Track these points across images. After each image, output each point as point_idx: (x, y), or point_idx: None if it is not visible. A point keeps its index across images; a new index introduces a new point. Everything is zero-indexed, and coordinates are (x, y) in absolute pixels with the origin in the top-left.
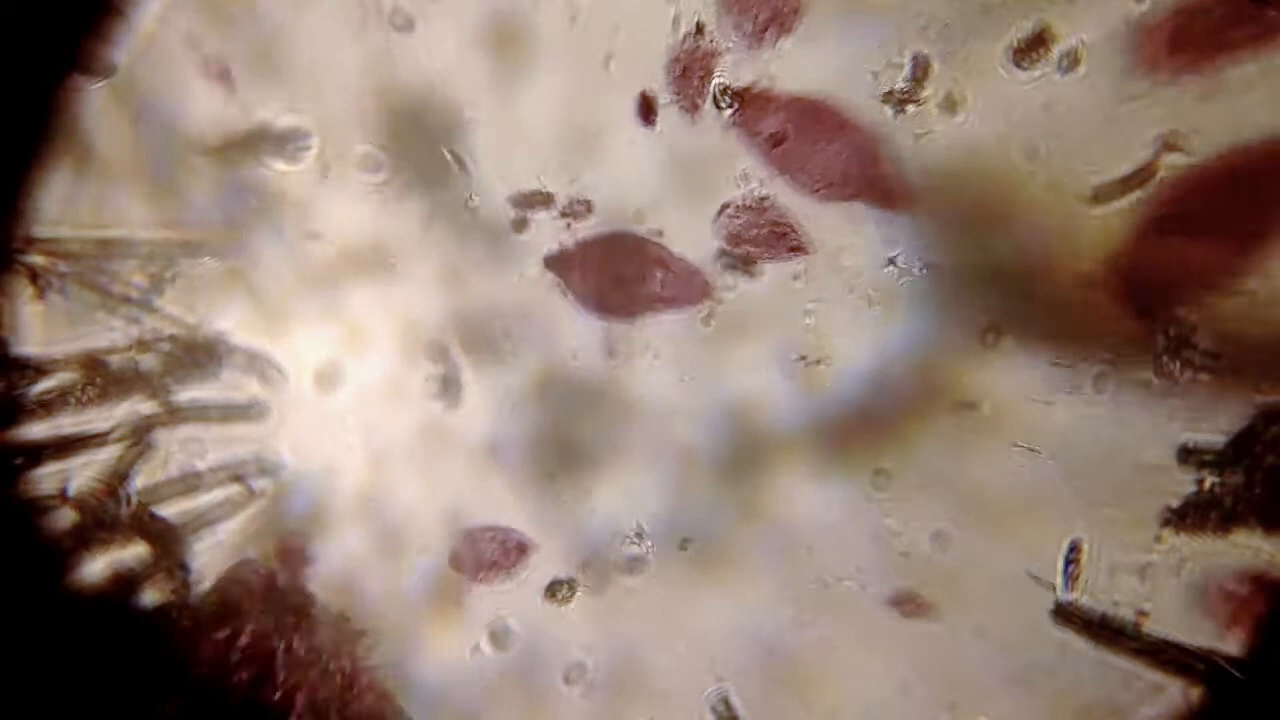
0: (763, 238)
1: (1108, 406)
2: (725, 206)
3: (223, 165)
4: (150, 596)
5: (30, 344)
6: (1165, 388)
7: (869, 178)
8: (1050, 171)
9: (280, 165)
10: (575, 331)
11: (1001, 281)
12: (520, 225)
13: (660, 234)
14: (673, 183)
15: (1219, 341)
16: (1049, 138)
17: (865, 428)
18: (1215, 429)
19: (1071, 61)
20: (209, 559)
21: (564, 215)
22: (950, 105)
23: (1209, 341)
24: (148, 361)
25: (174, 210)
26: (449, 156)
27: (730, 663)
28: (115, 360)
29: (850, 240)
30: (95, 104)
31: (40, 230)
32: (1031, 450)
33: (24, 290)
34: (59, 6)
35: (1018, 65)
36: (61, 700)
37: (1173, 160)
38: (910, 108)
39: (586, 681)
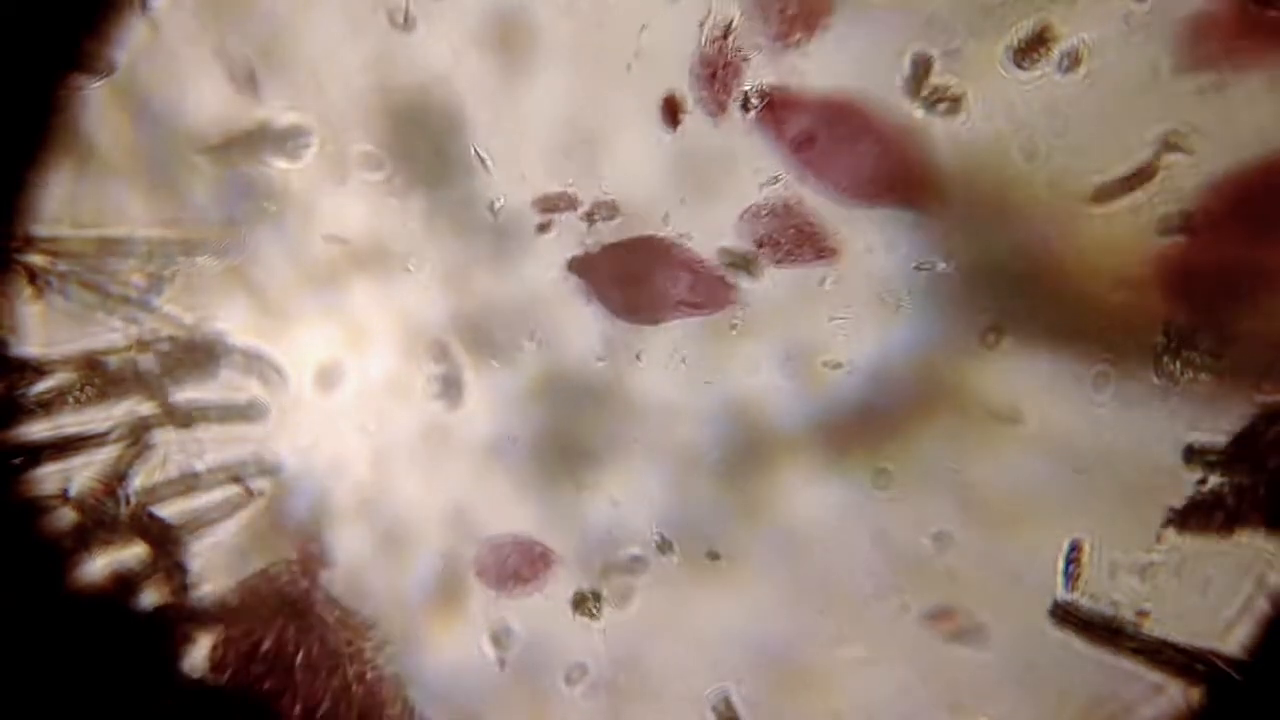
0: (790, 241)
1: (1108, 406)
2: (750, 209)
3: (223, 163)
4: (150, 596)
5: (30, 344)
6: (1166, 387)
7: (898, 177)
8: (1050, 171)
9: (281, 163)
10: (581, 332)
11: (1002, 281)
12: (544, 228)
13: (689, 237)
14: (697, 185)
15: (1219, 341)
16: (1049, 138)
17: (867, 427)
18: (1217, 429)
19: (1072, 61)
20: (210, 560)
21: (588, 218)
22: (950, 105)
23: (1209, 341)
24: (147, 362)
25: (174, 209)
26: (476, 155)
27: (731, 663)
28: (114, 360)
29: (876, 242)
30: (95, 103)
31: (40, 230)
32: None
33: (24, 290)
34: (59, 6)
35: (1018, 65)
36: (61, 700)
37: (1173, 160)
38: (941, 105)
39: (587, 682)
